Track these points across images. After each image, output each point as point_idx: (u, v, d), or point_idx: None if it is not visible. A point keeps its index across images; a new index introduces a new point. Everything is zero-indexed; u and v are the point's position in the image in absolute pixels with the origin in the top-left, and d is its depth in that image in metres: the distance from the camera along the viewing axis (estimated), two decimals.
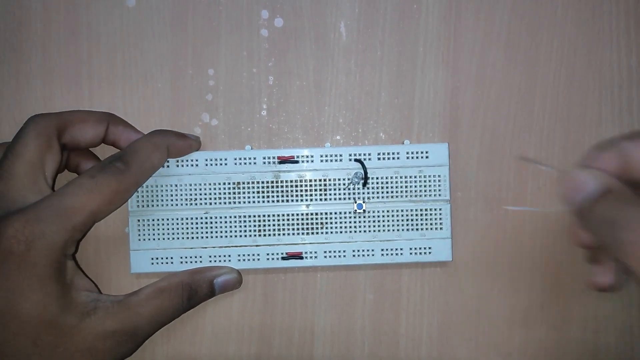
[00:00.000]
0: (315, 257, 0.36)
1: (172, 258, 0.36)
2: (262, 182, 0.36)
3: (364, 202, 0.35)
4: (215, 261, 0.36)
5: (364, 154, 0.35)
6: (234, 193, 0.36)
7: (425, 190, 0.36)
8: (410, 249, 0.36)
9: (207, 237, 0.36)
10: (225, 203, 0.36)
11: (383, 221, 0.36)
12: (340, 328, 0.37)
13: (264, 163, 0.35)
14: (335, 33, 0.37)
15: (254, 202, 0.36)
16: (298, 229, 0.36)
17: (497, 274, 0.37)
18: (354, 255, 0.36)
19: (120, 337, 0.31)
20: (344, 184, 0.35)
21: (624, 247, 0.23)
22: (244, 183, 0.36)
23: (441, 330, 0.37)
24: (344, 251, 0.36)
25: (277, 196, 0.36)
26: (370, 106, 0.37)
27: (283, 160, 0.35)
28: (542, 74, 0.37)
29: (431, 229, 0.36)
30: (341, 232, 0.36)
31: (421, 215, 0.36)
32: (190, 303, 0.34)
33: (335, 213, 0.36)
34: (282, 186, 0.36)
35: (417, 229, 0.36)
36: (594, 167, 0.26)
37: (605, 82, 0.37)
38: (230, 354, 0.37)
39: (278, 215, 0.36)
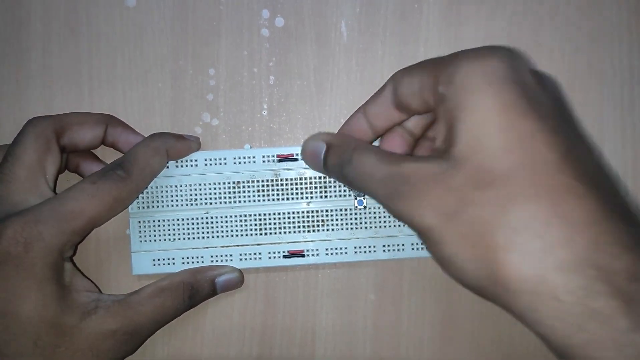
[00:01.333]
0: (317, 254, 0.36)
1: (173, 259, 0.36)
2: (262, 181, 0.35)
3: (364, 198, 0.35)
4: (217, 261, 0.36)
5: None
6: (234, 192, 0.36)
7: None
8: (412, 244, 0.36)
9: (208, 237, 0.36)
10: (225, 203, 0.36)
11: (384, 217, 0.36)
12: (342, 328, 0.37)
13: (264, 162, 0.35)
14: (336, 32, 0.37)
15: (254, 201, 0.35)
16: (299, 226, 0.36)
17: None
18: (355, 252, 0.36)
19: (121, 336, 0.31)
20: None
21: (353, 183, 0.29)
22: (244, 182, 0.35)
23: (443, 330, 0.37)
24: (346, 248, 0.36)
25: (278, 194, 0.36)
26: None
27: (282, 159, 0.35)
28: None
29: None
30: (342, 228, 0.36)
31: None
32: (191, 302, 0.34)
33: (336, 210, 0.36)
34: (282, 184, 0.36)
35: None
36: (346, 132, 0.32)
37: (606, 82, 0.37)
38: (232, 354, 0.37)
39: (279, 214, 0.36)
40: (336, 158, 0.30)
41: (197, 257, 0.36)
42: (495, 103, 0.24)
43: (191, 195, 0.35)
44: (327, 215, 0.36)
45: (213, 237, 0.36)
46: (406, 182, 0.26)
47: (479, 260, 0.24)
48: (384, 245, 0.36)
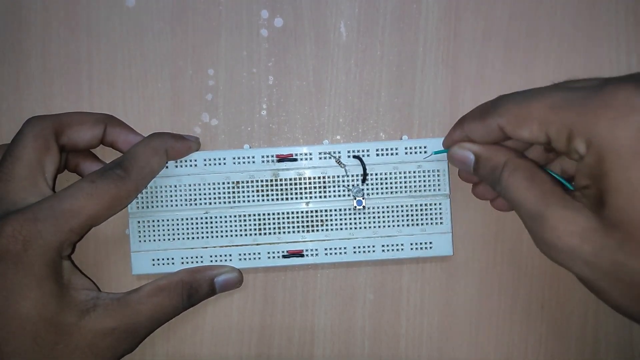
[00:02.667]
0: (316, 254, 0.36)
1: (173, 259, 0.36)
2: (262, 181, 0.36)
3: (363, 198, 0.35)
4: (216, 261, 0.36)
5: (363, 151, 0.35)
6: (234, 192, 0.36)
7: (424, 186, 0.36)
8: (411, 244, 0.36)
9: (207, 237, 0.36)
10: (225, 202, 0.36)
11: (383, 217, 0.36)
12: (341, 328, 0.37)
13: (263, 162, 0.35)
14: (335, 33, 0.37)
15: (253, 201, 0.36)
16: (298, 226, 0.36)
17: (498, 273, 0.37)
18: (354, 252, 0.36)
19: (120, 334, 0.31)
20: (343, 181, 0.35)
21: (503, 181, 0.29)
22: (243, 182, 0.36)
23: (441, 330, 0.37)
24: (345, 248, 0.36)
25: (277, 194, 0.36)
26: (370, 106, 0.37)
27: (282, 159, 0.35)
28: (542, 74, 0.37)
29: (431, 223, 0.36)
30: (341, 229, 0.36)
31: (421, 210, 0.36)
32: (190, 301, 0.34)
33: (335, 210, 0.36)
34: (281, 184, 0.36)
35: (417, 224, 0.36)
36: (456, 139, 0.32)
37: None
38: (231, 353, 0.37)
39: (278, 214, 0.36)
40: (486, 172, 0.31)
41: (197, 257, 0.36)
42: None
43: (190, 195, 0.36)
44: (326, 216, 0.36)
45: (212, 237, 0.36)
46: (554, 230, 0.26)
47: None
48: (382, 245, 0.36)
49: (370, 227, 0.36)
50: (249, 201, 0.36)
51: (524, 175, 0.28)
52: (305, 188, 0.36)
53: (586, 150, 0.25)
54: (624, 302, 0.26)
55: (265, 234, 0.36)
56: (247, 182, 0.36)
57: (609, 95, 0.25)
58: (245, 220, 0.36)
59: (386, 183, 0.35)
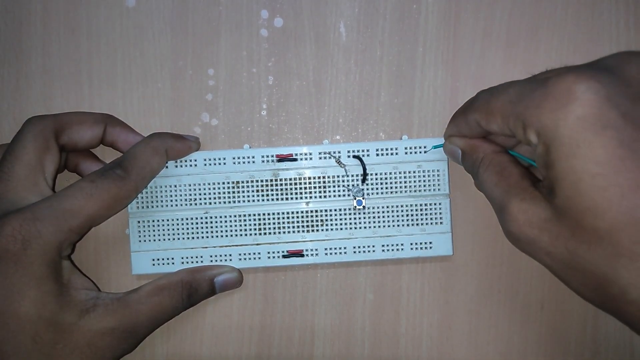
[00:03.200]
0: (316, 254, 0.36)
1: (173, 259, 0.36)
2: (262, 181, 0.36)
3: (363, 198, 0.35)
4: (216, 261, 0.36)
5: (363, 150, 0.35)
6: (234, 192, 0.36)
7: (424, 185, 0.36)
8: (411, 244, 0.36)
9: (207, 237, 0.36)
10: (224, 202, 0.36)
11: (383, 217, 0.36)
12: (341, 328, 0.37)
13: (263, 162, 0.35)
14: (335, 33, 0.37)
15: (253, 200, 0.36)
16: (298, 226, 0.36)
17: (497, 274, 0.37)
18: (354, 252, 0.36)
19: (120, 334, 0.31)
20: (343, 181, 0.35)
21: (479, 175, 0.30)
22: (243, 182, 0.36)
23: (441, 330, 0.37)
24: (345, 248, 0.36)
25: (277, 194, 0.36)
26: (370, 106, 0.37)
27: (282, 159, 0.36)
28: None
29: (431, 223, 0.36)
30: (341, 228, 0.36)
31: (421, 210, 0.36)
32: (190, 301, 0.34)
33: (335, 210, 0.36)
34: (281, 184, 0.36)
35: (417, 224, 0.36)
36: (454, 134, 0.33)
37: None
38: (230, 352, 0.37)
39: (278, 214, 0.36)
40: (468, 166, 0.32)
41: (197, 257, 0.36)
42: (591, 157, 0.24)
43: (190, 195, 0.36)
44: (326, 215, 0.36)
45: (212, 237, 0.36)
46: (515, 222, 0.27)
47: (600, 299, 0.25)
48: (382, 245, 0.36)
49: (370, 227, 0.36)
50: (249, 201, 0.36)
51: (494, 170, 0.29)
52: (305, 188, 0.36)
53: (537, 141, 0.26)
54: (584, 292, 0.26)
55: (265, 233, 0.36)
56: (247, 182, 0.36)
57: (551, 86, 0.25)
58: (245, 220, 0.36)
59: (386, 183, 0.35)
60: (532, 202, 0.27)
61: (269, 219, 0.36)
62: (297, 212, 0.36)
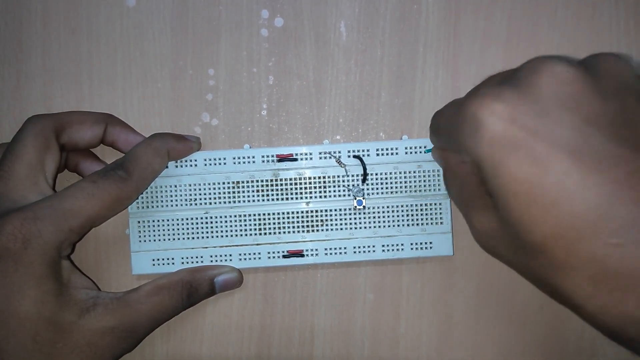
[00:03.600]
0: (317, 254, 0.36)
1: (173, 259, 0.36)
2: (262, 181, 0.36)
3: (363, 198, 0.35)
4: (216, 261, 0.36)
5: (363, 150, 0.35)
6: (234, 192, 0.36)
7: (424, 185, 0.36)
8: (411, 244, 0.36)
9: (207, 237, 0.36)
10: (225, 203, 0.36)
11: (383, 217, 0.36)
12: (340, 328, 0.37)
13: (263, 162, 0.35)
14: (335, 33, 0.37)
15: (253, 201, 0.36)
16: (298, 226, 0.36)
17: (497, 274, 0.37)
18: (354, 252, 0.36)
19: (120, 333, 0.31)
20: (343, 181, 0.35)
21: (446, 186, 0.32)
22: (243, 182, 0.36)
23: (441, 330, 0.37)
24: (345, 248, 0.36)
25: (277, 194, 0.36)
26: (370, 106, 0.37)
27: (282, 159, 0.36)
28: None
29: (431, 223, 0.36)
30: (342, 228, 0.36)
31: (421, 210, 0.36)
32: (190, 301, 0.34)
33: (336, 210, 0.36)
34: (281, 184, 0.36)
35: (417, 224, 0.36)
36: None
37: None
38: (230, 352, 0.37)
39: (278, 214, 0.36)
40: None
41: (197, 257, 0.36)
42: (509, 177, 0.24)
43: (191, 195, 0.36)
44: (326, 215, 0.36)
45: (212, 237, 0.36)
46: (475, 232, 0.29)
47: (560, 302, 0.26)
48: (382, 245, 0.36)
49: (370, 227, 0.36)
50: (249, 201, 0.36)
51: (455, 182, 0.30)
52: (306, 188, 0.36)
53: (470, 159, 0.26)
54: (548, 295, 0.27)
55: (265, 234, 0.36)
56: (247, 182, 0.36)
57: (462, 112, 0.25)
58: (245, 220, 0.36)
59: (386, 183, 0.35)
60: (485, 212, 0.27)
61: (269, 219, 0.36)
62: (297, 212, 0.36)
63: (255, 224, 0.36)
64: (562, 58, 0.25)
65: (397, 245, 0.36)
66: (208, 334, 0.37)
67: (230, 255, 0.36)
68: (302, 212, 0.36)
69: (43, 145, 0.32)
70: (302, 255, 0.36)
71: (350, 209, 0.36)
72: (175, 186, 0.35)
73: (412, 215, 0.36)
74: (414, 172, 0.35)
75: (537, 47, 0.37)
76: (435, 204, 0.36)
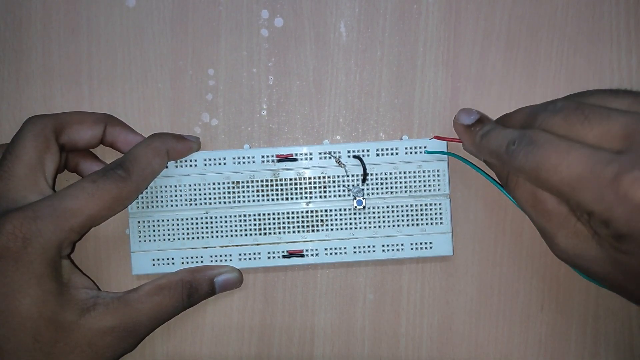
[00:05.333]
0: (317, 254, 0.36)
1: (173, 259, 0.36)
2: (262, 181, 0.36)
3: (363, 198, 0.35)
4: (216, 261, 0.36)
5: (363, 150, 0.35)
6: (234, 192, 0.36)
7: (424, 185, 0.36)
8: (411, 244, 0.36)
9: (207, 237, 0.36)
10: (224, 203, 0.36)
11: (383, 217, 0.36)
12: (341, 328, 0.37)
13: (263, 162, 0.35)
14: (335, 33, 0.37)
15: (253, 201, 0.36)
16: (298, 226, 0.36)
17: (497, 274, 0.37)
18: (355, 252, 0.36)
19: (120, 333, 0.31)
20: (343, 181, 0.35)
21: (513, 193, 0.31)
22: (243, 182, 0.36)
23: (441, 330, 0.37)
24: (345, 248, 0.36)
25: (277, 194, 0.36)
26: (370, 106, 0.37)
27: (282, 159, 0.36)
28: (542, 74, 0.37)
29: (431, 223, 0.36)
30: (342, 228, 0.36)
31: (421, 210, 0.36)
32: (190, 301, 0.34)
33: (336, 210, 0.36)
34: (281, 184, 0.36)
35: (417, 224, 0.36)
36: None
37: (605, 82, 0.37)
38: (230, 352, 0.37)
39: (278, 214, 0.36)
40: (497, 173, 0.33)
41: (197, 257, 0.36)
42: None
43: (190, 195, 0.36)
44: (326, 215, 0.36)
45: (212, 237, 0.36)
46: (562, 252, 0.29)
47: None
48: (382, 245, 0.36)
49: (370, 227, 0.36)
50: (249, 201, 0.36)
51: (526, 189, 0.29)
52: (306, 188, 0.36)
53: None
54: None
55: (265, 234, 0.36)
56: (247, 182, 0.36)
57: (618, 186, 0.25)
58: (245, 220, 0.36)
59: (386, 183, 0.35)
60: (581, 240, 0.28)
61: (269, 219, 0.36)
62: (297, 212, 0.36)
63: (255, 224, 0.36)
64: None
65: (397, 245, 0.36)
66: (208, 334, 0.37)
67: (230, 255, 0.36)
68: (302, 212, 0.36)
69: (43, 146, 0.32)
70: (302, 255, 0.36)
71: (350, 209, 0.36)
72: (175, 186, 0.35)
73: (412, 215, 0.36)
74: (414, 172, 0.35)
75: (537, 48, 0.37)
76: (435, 204, 0.36)
